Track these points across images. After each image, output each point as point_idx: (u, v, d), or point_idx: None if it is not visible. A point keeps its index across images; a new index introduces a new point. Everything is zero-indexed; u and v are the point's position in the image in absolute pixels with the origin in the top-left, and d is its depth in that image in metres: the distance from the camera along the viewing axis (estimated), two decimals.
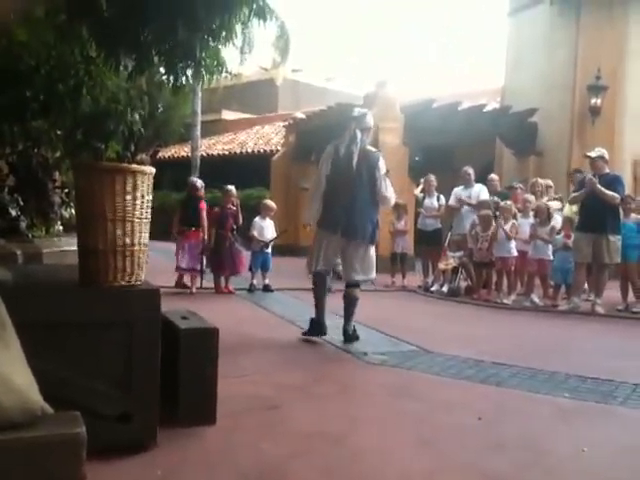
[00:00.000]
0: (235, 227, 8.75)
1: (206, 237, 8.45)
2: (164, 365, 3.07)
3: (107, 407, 2.80)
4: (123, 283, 2.82)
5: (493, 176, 10.21)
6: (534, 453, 3.13)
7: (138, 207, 2.79)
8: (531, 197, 9.00)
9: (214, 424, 3.24)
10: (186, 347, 3.16)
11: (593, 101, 11.75)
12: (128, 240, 2.79)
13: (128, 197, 2.74)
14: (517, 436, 3.37)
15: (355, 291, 5.56)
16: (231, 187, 9.06)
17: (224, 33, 5.71)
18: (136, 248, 2.82)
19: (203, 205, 8.64)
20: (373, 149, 5.71)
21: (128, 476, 2.69)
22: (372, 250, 5.57)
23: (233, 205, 8.90)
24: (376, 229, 5.59)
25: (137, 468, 2.75)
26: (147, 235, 2.91)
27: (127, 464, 2.77)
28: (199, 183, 9.20)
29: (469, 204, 9.38)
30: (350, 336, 5.53)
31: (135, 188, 2.75)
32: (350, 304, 5.57)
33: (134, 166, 2.82)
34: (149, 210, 2.89)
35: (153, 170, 2.85)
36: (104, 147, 5.94)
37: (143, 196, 2.80)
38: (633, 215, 7.86)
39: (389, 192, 5.61)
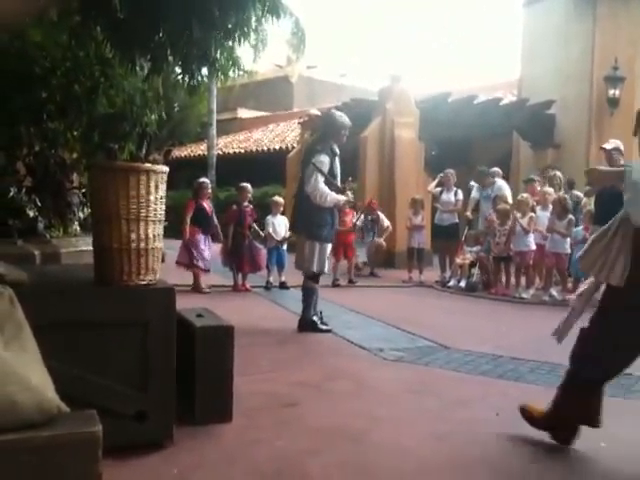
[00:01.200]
0: (253, 224, 8.70)
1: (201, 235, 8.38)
2: (180, 363, 3.08)
3: (123, 406, 2.82)
4: (138, 282, 2.83)
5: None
6: (552, 448, 3.11)
7: (152, 206, 2.80)
8: (550, 189, 8.92)
9: (230, 422, 3.25)
10: (202, 345, 3.17)
11: (611, 92, 11.62)
12: (143, 239, 2.80)
13: (142, 196, 2.76)
14: (535, 431, 3.34)
15: (306, 282, 5.85)
16: (246, 184, 8.97)
17: (238, 31, 5.73)
18: (150, 247, 2.83)
19: (190, 204, 8.51)
20: (319, 147, 5.69)
21: (144, 474, 2.70)
22: (315, 245, 5.67)
23: (250, 202, 8.84)
24: (316, 227, 5.65)
25: (153, 466, 2.77)
26: (161, 234, 2.92)
27: (143, 463, 2.78)
28: (200, 181, 8.92)
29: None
30: (304, 325, 5.80)
31: (149, 187, 2.76)
32: (303, 294, 5.88)
33: (147, 165, 2.83)
34: (163, 209, 2.90)
35: (167, 169, 2.86)
36: (119, 147, 5.97)
37: (157, 195, 2.81)
38: None
39: (310, 187, 5.57)
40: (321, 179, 5.56)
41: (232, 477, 2.72)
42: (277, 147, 19.81)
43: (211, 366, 3.18)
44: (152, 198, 2.77)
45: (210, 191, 8.70)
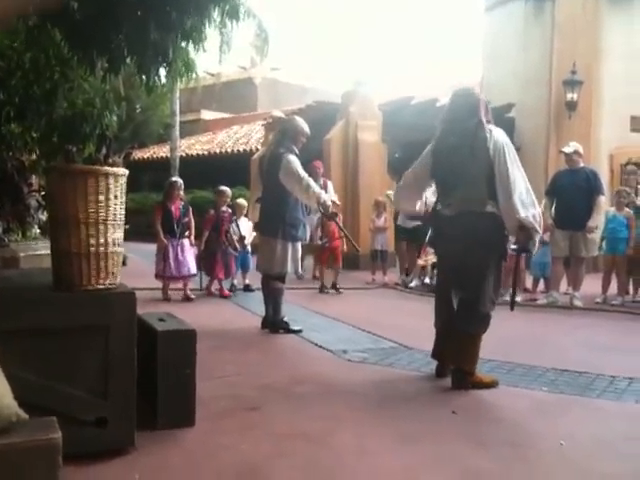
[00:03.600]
0: (232, 228, 8.41)
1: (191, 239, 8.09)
2: (142, 368, 3.05)
3: (83, 412, 2.78)
4: (98, 286, 2.80)
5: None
6: (512, 447, 3.16)
7: (112, 209, 2.77)
8: None
9: (193, 426, 3.23)
10: (164, 349, 3.15)
11: (569, 96, 11.85)
12: (102, 243, 2.77)
13: (101, 199, 2.73)
14: (495, 430, 3.40)
15: (272, 282, 5.86)
16: (225, 188, 8.60)
17: (195, 34, 5.71)
18: (110, 251, 2.80)
19: (158, 210, 8.00)
20: (282, 149, 5.74)
21: None
22: (288, 245, 5.73)
23: (229, 206, 8.55)
24: (289, 227, 5.71)
25: (115, 472, 2.74)
26: (122, 237, 2.89)
27: (104, 469, 2.75)
28: (171, 181, 8.34)
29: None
30: (273, 325, 5.87)
31: (108, 190, 2.74)
32: (272, 295, 5.90)
33: (106, 168, 2.80)
34: (123, 212, 2.87)
35: (126, 172, 2.83)
36: (78, 149, 5.88)
37: (117, 198, 2.78)
38: (626, 209, 7.94)
39: (289, 176, 5.58)
40: (301, 169, 5.62)
41: None
42: (241, 149, 19.74)
43: (173, 371, 3.15)
44: (112, 201, 2.74)
45: (181, 192, 8.09)
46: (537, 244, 4.20)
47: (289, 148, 5.74)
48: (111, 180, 2.75)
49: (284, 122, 5.98)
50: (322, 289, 8.94)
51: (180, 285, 7.99)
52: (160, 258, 7.82)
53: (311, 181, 5.64)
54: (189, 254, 7.91)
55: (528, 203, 3.97)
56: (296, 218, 5.77)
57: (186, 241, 7.93)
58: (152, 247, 8.53)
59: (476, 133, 4.03)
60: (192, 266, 7.92)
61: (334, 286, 9.03)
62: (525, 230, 3.98)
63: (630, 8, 12.07)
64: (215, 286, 8.38)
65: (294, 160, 5.66)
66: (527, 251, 4.28)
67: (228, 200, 8.55)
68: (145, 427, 3.09)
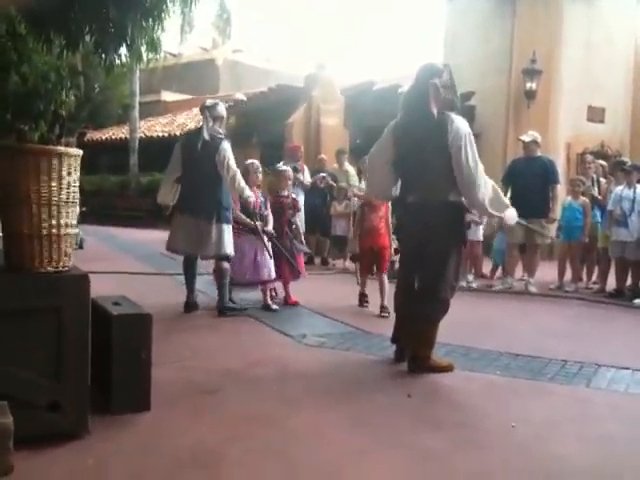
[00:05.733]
0: (296, 219, 6.86)
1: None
2: (97, 352, 3.01)
3: (36, 396, 2.74)
4: (50, 269, 2.74)
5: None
6: (466, 429, 3.22)
7: (64, 190, 2.71)
8: None
9: (148, 410, 3.21)
10: (118, 333, 3.11)
11: (528, 85, 12.00)
12: (54, 224, 2.71)
13: (54, 180, 2.66)
14: (449, 413, 3.46)
15: (221, 264, 5.89)
16: (286, 167, 7.20)
17: (157, 12, 5.60)
18: (62, 232, 2.74)
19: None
20: (219, 135, 5.90)
21: (58, 465, 2.64)
22: (223, 227, 5.82)
23: (289, 191, 6.93)
24: (224, 210, 5.84)
25: (68, 457, 2.70)
26: (75, 219, 2.83)
27: (57, 453, 2.72)
28: (246, 164, 6.44)
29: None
30: (226, 309, 5.92)
31: (61, 171, 2.67)
32: (219, 277, 5.94)
33: (59, 148, 2.73)
34: (77, 193, 2.81)
35: (80, 152, 2.77)
36: (32, 128, 5.72)
37: (70, 179, 2.72)
38: (582, 198, 8.10)
39: (231, 172, 5.75)
40: (233, 158, 5.81)
41: (148, 465, 2.68)
42: None
43: (128, 355, 3.12)
44: (65, 182, 2.68)
45: (260, 176, 6.41)
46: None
47: (224, 134, 5.95)
48: (64, 160, 2.68)
49: (211, 108, 5.97)
50: (362, 301, 6.60)
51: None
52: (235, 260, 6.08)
53: (239, 174, 5.82)
54: (267, 254, 6.22)
55: (486, 193, 4.07)
56: (229, 201, 5.94)
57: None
58: (111, 230, 8.38)
59: (438, 122, 4.04)
60: (272, 268, 6.24)
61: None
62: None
63: None
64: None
65: (229, 148, 5.84)
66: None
67: (290, 183, 6.96)
68: (100, 412, 3.06)
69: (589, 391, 3.95)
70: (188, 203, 5.86)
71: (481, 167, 4.09)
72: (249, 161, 6.50)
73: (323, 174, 10.27)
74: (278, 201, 6.61)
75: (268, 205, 6.37)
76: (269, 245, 6.15)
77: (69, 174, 2.70)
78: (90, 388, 2.94)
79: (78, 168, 2.78)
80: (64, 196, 2.71)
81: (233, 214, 6.02)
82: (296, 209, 6.85)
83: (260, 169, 6.39)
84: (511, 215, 4.35)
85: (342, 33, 63.98)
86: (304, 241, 7.00)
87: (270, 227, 6.22)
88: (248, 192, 5.84)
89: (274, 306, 6.23)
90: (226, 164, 5.74)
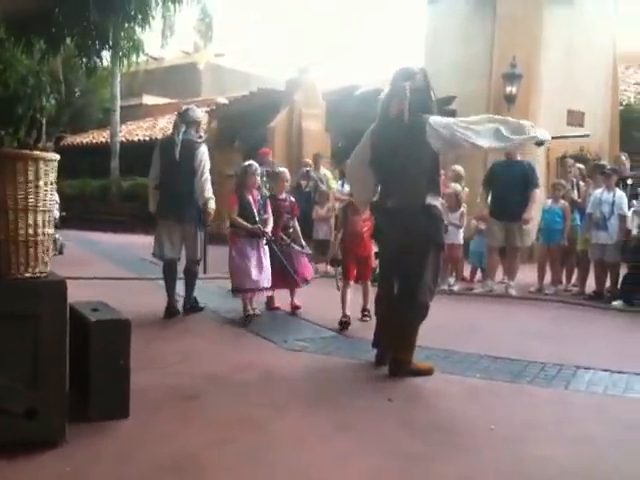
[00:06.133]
0: (294, 223, 6.52)
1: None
2: (76, 358, 2.99)
3: (13, 403, 2.71)
4: (27, 274, 2.72)
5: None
6: (445, 432, 3.23)
7: (42, 195, 2.69)
8: (457, 186, 9.13)
9: (127, 417, 3.18)
10: (97, 340, 3.08)
11: (508, 89, 12.08)
12: (31, 230, 2.68)
13: (30, 185, 2.64)
14: (429, 416, 3.47)
15: (193, 266, 6.06)
16: (284, 169, 6.76)
17: (140, 16, 5.59)
18: (40, 238, 2.72)
19: (233, 199, 6.04)
20: (198, 140, 6.02)
21: (36, 473, 2.62)
22: (198, 233, 5.96)
23: (286, 193, 6.62)
24: (201, 214, 5.91)
25: (46, 464, 2.68)
26: (52, 224, 2.81)
27: (34, 461, 2.69)
28: (244, 166, 6.18)
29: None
30: (192, 307, 6.12)
31: (38, 175, 2.65)
32: (191, 279, 6.12)
33: (36, 152, 2.71)
34: (54, 198, 2.79)
35: (57, 156, 2.75)
36: (7, 133, 5.69)
37: (47, 184, 2.70)
38: (561, 201, 8.16)
39: (201, 182, 5.86)
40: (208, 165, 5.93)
41: (128, 473, 2.67)
42: None
43: (107, 361, 3.09)
44: (41, 187, 2.66)
45: (258, 178, 6.10)
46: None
47: (201, 138, 6.08)
48: (41, 165, 2.66)
49: (183, 113, 6.08)
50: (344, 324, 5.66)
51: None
52: (240, 264, 5.79)
53: (209, 183, 5.91)
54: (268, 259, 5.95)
55: None
56: (199, 208, 5.95)
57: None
58: (92, 235, 8.32)
59: (411, 125, 4.06)
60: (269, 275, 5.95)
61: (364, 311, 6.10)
62: None
63: (570, 2, 12.36)
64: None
65: (207, 152, 5.98)
66: None
67: (287, 185, 6.63)
68: (78, 419, 3.03)
69: (568, 393, 3.99)
70: (171, 208, 5.88)
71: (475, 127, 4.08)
72: (247, 163, 6.23)
73: (307, 168, 10.28)
74: (275, 204, 6.31)
75: (268, 209, 6.13)
76: (267, 249, 5.95)
77: (46, 179, 2.68)
78: (68, 395, 2.92)
79: (55, 173, 2.76)
80: (41, 201, 2.68)
81: (229, 218, 5.99)
82: (294, 213, 6.53)
83: (259, 171, 6.13)
84: (543, 132, 4.22)
85: (326, 37, 64.10)
86: (304, 244, 6.61)
87: (269, 229, 6.00)
88: (213, 204, 5.91)
89: (256, 311, 6.03)
90: (201, 170, 5.84)
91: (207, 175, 5.88)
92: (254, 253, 5.85)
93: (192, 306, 6.16)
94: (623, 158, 9.14)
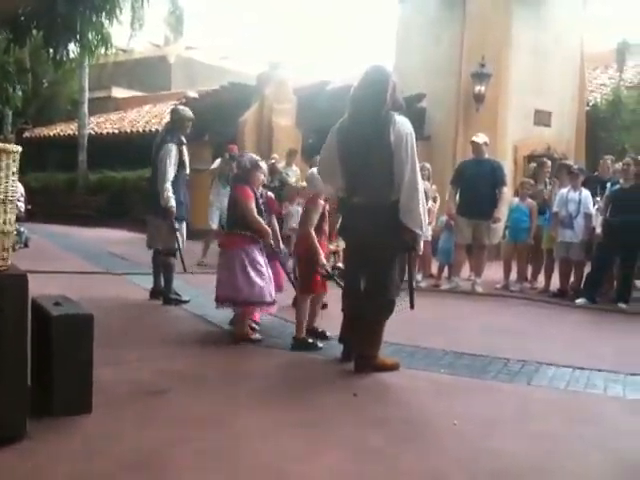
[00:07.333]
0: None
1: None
2: (38, 353, 2.95)
3: None
4: None
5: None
6: (408, 426, 3.27)
7: (2, 188, 2.64)
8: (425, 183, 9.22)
9: (90, 413, 3.15)
10: (58, 334, 3.04)
11: (477, 88, 12.18)
12: None
13: None
14: (393, 411, 3.50)
15: (168, 258, 6.37)
16: (257, 158, 5.29)
17: (108, 7, 5.53)
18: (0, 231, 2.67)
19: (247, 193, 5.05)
20: (167, 139, 6.29)
21: None
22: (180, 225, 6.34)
23: (265, 187, 5.76)
24: (180, 208, 6.25)
25: (6, 461, 2.64)
26: (14, 217, 2.76)
27: None
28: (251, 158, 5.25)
29: None
30: (169, 299, 6.35)
31: None
32: (165, 270, 6.42)
33: None
34: (15, 191, 2.74)
35: (19, 149, 2.70)
36: None
37: (7, 176, 2.65)
38: (528, 200, 8.26)
39: (160, 183, 6.16)
40: (171, 171, 6.15)
41: (89, 470, 2.64)
42: (153, 129, 19.19)
43: (69, 356, 3.05)
44: (2, 180, 2.61)
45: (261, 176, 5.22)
46: (421, 243, 4.34)
47: (173, 137, 6.29)
48: (2, 157, 2.61)
49: (171, 113, 6.57)
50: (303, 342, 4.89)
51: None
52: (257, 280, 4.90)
53: (168, 183, 6.13)
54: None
55: (415, 204, 4.04)
56: (179, 200, 6.28)
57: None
58: (59, 229, 8.18)
59: (383, 122, 4.07)
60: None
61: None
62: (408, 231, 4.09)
63: (538, 3, 12.50)
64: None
65: (172, 151, 6.18)
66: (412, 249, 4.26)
67: (262, 178, 5.27)
68: (40, 415, 3.00)
69: (531, 388, 4.05)
70: (149, 203, 6.50)
71: (418, 171, 4.09)
72: (256, 157, 5.28)
73: (272, 161, 10.37)
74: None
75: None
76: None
77: (6, 171, 2.63)
78: (30, 390, 2.88)
79: (17, 165, 2.71)
80: (2, 194, 2.64)
81: (250, 218, 4.93)
82: (273, 210, 5.66)
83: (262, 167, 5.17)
84: (428, 233, 4.60)
85: (297, 32, 63.89)
86: (282, 247, 5.69)
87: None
88: (171, 202, 6.12)
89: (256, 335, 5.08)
90: (161, 168, 6.14)
91: (164, 173, 6.11)
92: (264, 261, 5.04)
93: (170, 298, 6.36)
94: (609, 162, 8.78)
